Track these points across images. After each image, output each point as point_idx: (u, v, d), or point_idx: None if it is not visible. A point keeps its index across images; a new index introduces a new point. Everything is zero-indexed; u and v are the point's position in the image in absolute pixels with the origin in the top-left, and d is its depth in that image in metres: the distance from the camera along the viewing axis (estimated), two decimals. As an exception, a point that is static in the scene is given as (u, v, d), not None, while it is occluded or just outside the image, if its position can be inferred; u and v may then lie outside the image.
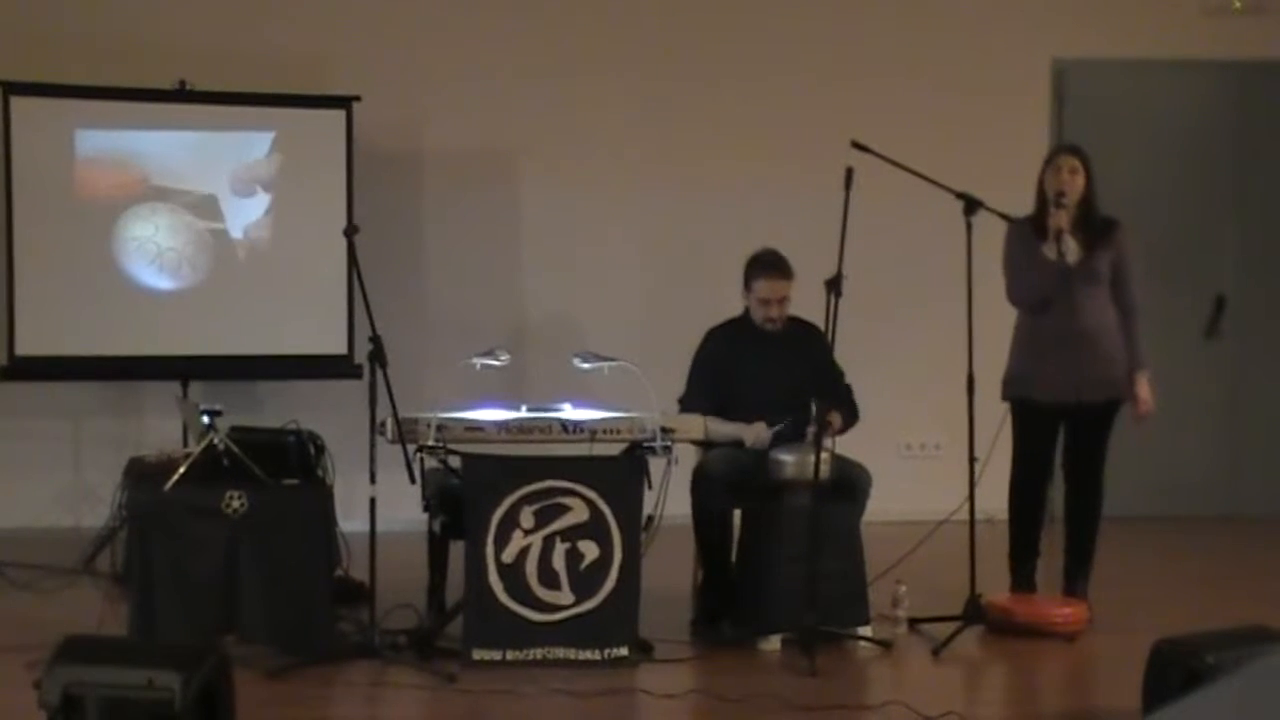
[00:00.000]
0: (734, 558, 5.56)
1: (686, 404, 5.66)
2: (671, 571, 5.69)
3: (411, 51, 7.59)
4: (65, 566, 6.28)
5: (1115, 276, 5.72)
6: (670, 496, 5.27)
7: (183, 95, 6.93)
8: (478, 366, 5.48)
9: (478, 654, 5.06)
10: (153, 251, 6.92)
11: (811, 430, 5.36)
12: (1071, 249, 5.64)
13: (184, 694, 3.63)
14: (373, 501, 5.10)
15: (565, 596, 5.13)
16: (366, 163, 7.17)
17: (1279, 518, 8.00)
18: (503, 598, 5.10)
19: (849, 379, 5.80)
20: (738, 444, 5.54)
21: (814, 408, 5.36)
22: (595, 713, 4.66)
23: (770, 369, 5.67)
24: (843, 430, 5.61)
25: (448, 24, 7.65)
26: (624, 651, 5.11)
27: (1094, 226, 5.70)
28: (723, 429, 5.54)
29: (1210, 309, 7.53)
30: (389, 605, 5.21)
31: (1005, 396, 5.79)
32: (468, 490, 5.20)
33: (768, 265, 5.71)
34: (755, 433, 5.52)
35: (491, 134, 7.69)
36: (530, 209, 7.76)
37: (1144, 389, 5.76)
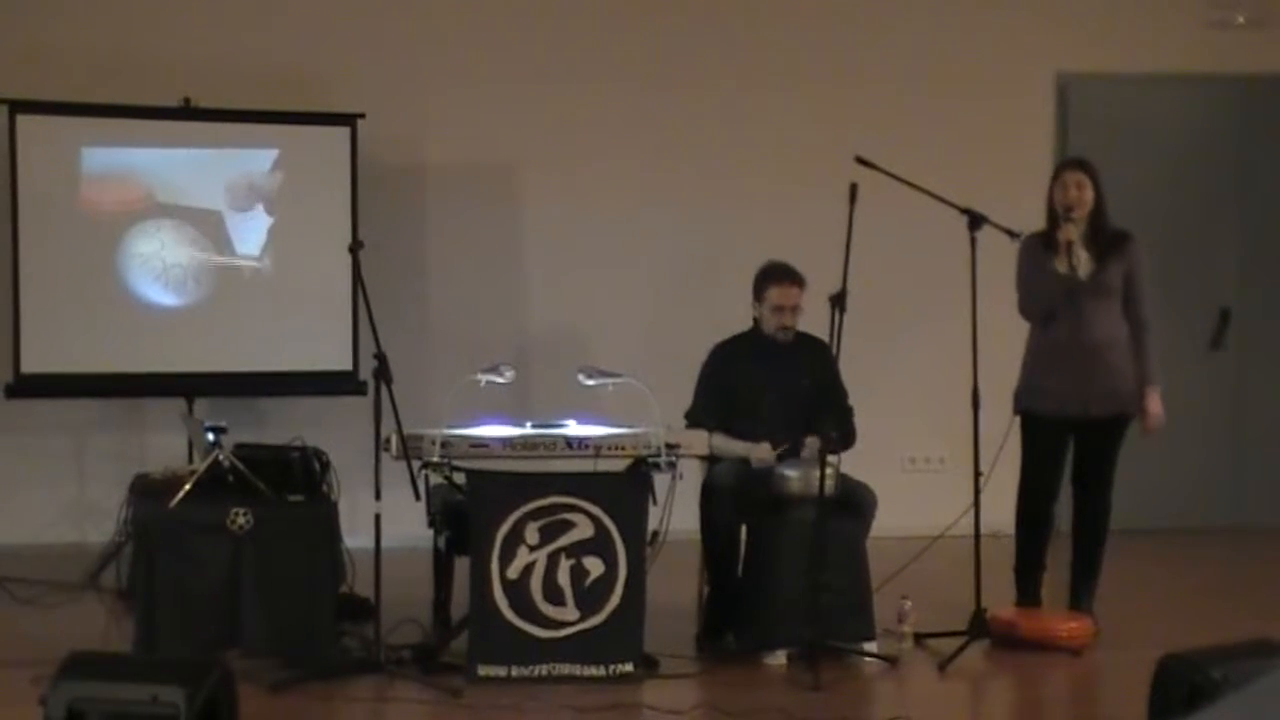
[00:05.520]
0: (740, 572, 5.56)
1: (694, 419, 5.65)
2: (676, 587, 5.68)
3: (414, 68, 7.61)
4: (70, 582, 6.29)
5: (1127, 290, 5.70)
6: (675, 512, 5.28)
7: (187, 113, 6.94)
8: (482, 383, 5.48)
9: (483, 670, 5.05)
10: (158, 268, 6.92)
11: (814, 444, 5.36)
12: (1084, 262, 5.64)
13: (188, 709, 3.63)
14: (377, 517, 5.11)
15: (570, 612, 5.13)
16: (370, 179, 7.17)
17: (1285, 530, 7.99)
18: (508, 614, 5.09)
19: (852, 395, 5.79)
20: (744, 462, 5.53)
21: (820, 424, 5.36)
22: (600, 728, 4.67)
23: (777, 383, 5.67)
24: (836, 450, 5.58)
25: (450, 40, 7.66)
26: (629, 667, 5.11)
27: (1105, 239, 5.70)
28: (729, 447, 5.54)
29: (1215, 321, 7.52)
30: (394, 621, 5.21)
31: (1017, 410, 5.79)
32: (472, 506, 5.20)
33: (780, 273, 5.71)
34: (760, 452, 5.52)
35: (494, 149, 7.70)
36: (534, 224, 7.76)
37: (1154, 403, 5.74)
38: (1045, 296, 5.66)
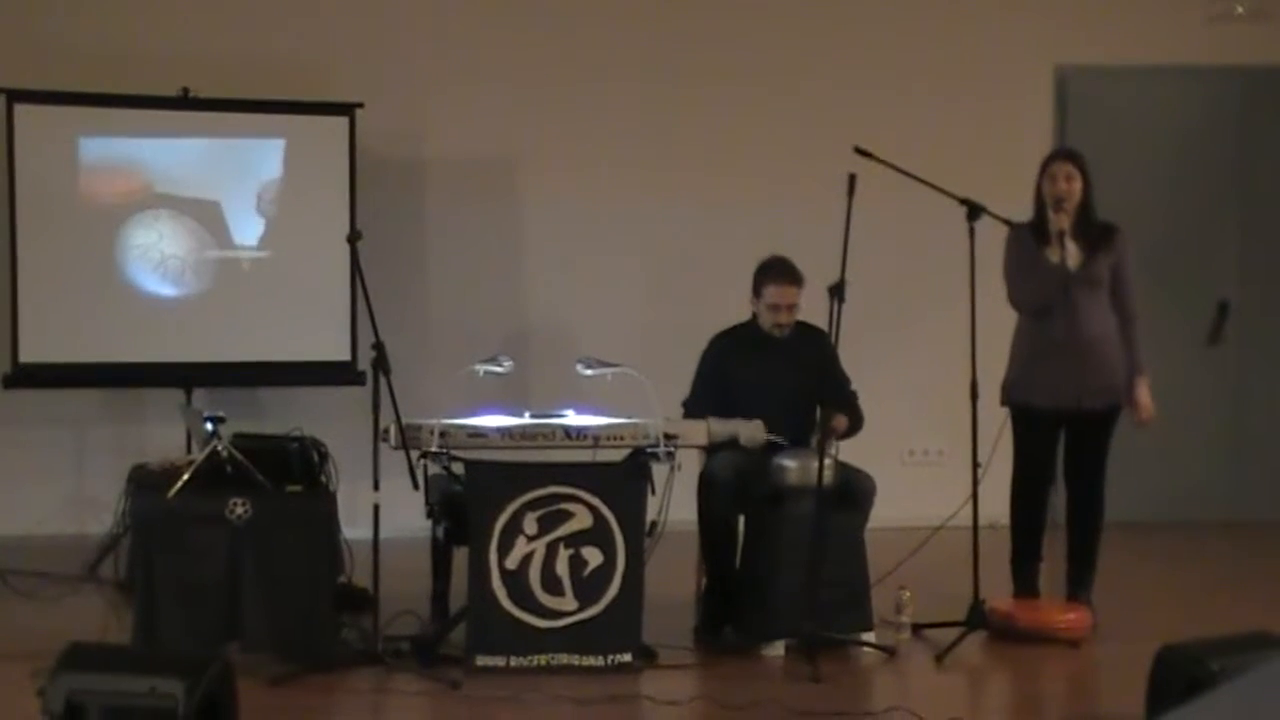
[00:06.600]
0: (738, 564, 5.56)
1: (691, 408, 5.66)
2: (675, 577, 5.68)
3: (414, 59, 7.60)
4: (69, 574, 6.28)
5: (1115, 282, 5.72)
6: (673, 502, 5.28)
7: (186, 103, 6.93)
8: (480, 373, 5.49)
9: (481, 660, 5.06)
10: (156, 259, 6.92)
11: (834, 421, 5.36)
12: (1072, 254, 5.64)
13: (187, 702, 3.64)
14: (376, 508, 5.11)
15: (569, 603, 5.13)
16: (369, 169, 7.17)
17: (1282, 523, 8.00)
18: (506, 604, 5.10)
19: (852, 385, 5.80)
20: (734, 441, 5.52)
21: (819, 414, 5.36)
22: (598, 719, 4.66)
23: (776, 374, 5.67)
24: (847, 435, 5.61)
25: (450, 32, 7.66)
26: (627, 658, 5.11)
27: (1093, 231, 5.71)
28: (723, 427, 5.53)
29: (1214, 314, 7.51)
30: (392, 612, 5.22)
31: (1005, 402, 5.79)
32: (471, 497, 5.20)
33: (779, 271, 5.71)
34: (751, 430, 5.50)
35: (494, 141, 7.70)
36: (533, 216, 7.76)
37: (1144, 394, 5.76)
38: (1044, 288, 5.65)
